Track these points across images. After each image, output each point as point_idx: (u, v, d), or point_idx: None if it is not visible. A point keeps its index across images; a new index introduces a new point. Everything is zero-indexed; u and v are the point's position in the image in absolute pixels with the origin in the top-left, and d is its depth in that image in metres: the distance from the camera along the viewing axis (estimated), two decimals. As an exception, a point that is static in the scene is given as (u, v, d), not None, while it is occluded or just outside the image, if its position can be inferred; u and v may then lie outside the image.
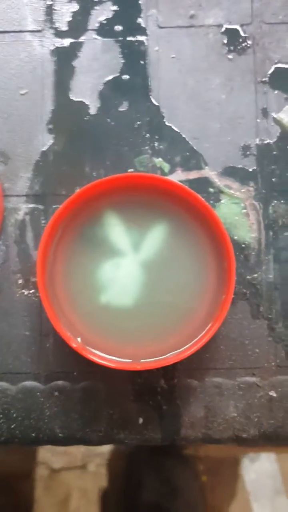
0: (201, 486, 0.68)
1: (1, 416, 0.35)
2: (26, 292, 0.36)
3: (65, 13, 0.38)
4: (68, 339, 0.32)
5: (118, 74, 0.38)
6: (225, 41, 0.38)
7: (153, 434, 0.35)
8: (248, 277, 0.36)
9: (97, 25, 0.38)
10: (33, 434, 0.35)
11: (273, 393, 0.35)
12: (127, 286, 0.34)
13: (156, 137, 0.37)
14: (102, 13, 0.38)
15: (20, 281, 0.36)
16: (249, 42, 0.38)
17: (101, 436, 0.35)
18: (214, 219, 0.32)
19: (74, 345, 0.32)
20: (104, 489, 0.68)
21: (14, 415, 0.35)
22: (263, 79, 0.37)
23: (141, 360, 0.33)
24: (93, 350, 0.33)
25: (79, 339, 0.33)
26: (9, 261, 0.36)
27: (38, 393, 0.35)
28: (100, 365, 0.31)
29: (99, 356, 0.32)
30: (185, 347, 0.33)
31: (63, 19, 0.38)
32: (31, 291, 0.36)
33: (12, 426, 0.35)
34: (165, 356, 0.33)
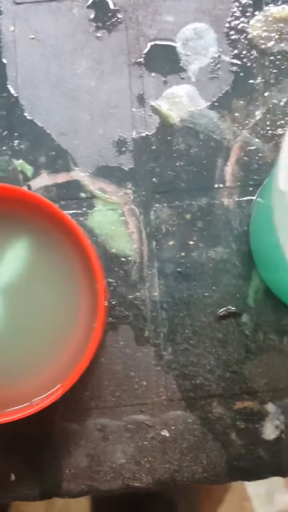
0: None
1: None
2: None
3: None
4: None
5: None
6: (92, 16, 0.32)
7: (30, 490, 0.30)
8: (130, 296, 0.30)
9: None
10: None
11: (165, 433, 0.29)
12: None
13: (16, 134, 0.31)
14: None
15: None
16: (120, 16, 0.32)
17: None
18: (77, 231, 0.27)
19: None
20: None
21: None
22: (138, 60, 0.31)
23: (6, 410, 0.28)
24: None
25: None
26: None
27: None
28: None
29: None
30: (54, 389, 0.28)
31: None
32: None
33: None
34: (35, 400, 0.28)
